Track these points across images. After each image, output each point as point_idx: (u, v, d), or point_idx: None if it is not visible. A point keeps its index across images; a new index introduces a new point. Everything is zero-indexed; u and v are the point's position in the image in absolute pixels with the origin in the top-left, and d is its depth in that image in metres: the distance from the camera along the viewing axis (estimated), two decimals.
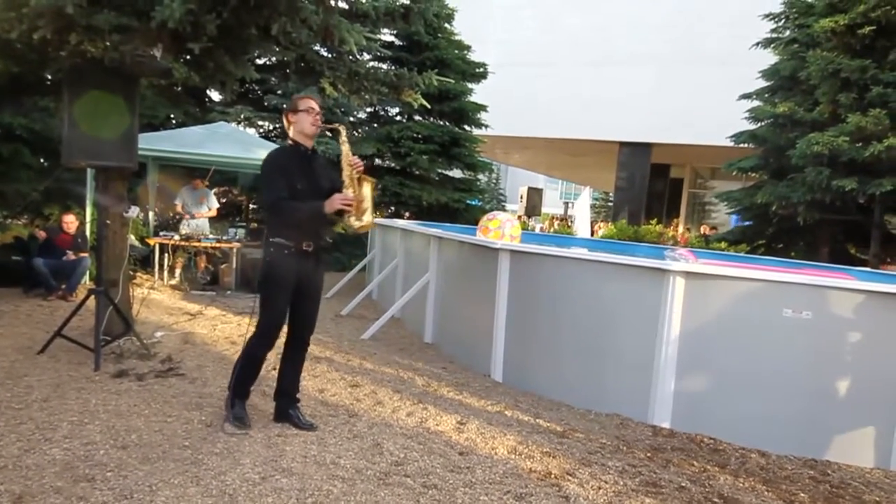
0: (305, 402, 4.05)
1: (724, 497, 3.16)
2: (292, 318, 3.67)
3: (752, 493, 3.26)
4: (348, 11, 4.98)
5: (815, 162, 8.63)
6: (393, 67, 12.32)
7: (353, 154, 3.59)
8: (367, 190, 3.61)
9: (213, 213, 9.21)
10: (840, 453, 3.91)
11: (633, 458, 3.58)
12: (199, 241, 8.38)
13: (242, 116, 12.28)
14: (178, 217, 8.96)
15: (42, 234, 7.36)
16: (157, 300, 7.31)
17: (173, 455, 3.13)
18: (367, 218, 3.61)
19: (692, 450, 3.84)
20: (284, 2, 3.63)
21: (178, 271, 8.83)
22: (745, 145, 11.17)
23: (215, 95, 13.05)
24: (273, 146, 9.78)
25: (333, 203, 3.42)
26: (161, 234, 8.62)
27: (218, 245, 8.54)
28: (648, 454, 3.67)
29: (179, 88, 10.95)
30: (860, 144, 8.21)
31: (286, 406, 3.73)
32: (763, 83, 11.27)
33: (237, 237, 8.89)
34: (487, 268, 5.15)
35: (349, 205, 3.46)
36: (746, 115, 10.91)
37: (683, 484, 3.27)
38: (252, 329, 3.58)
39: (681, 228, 17.56)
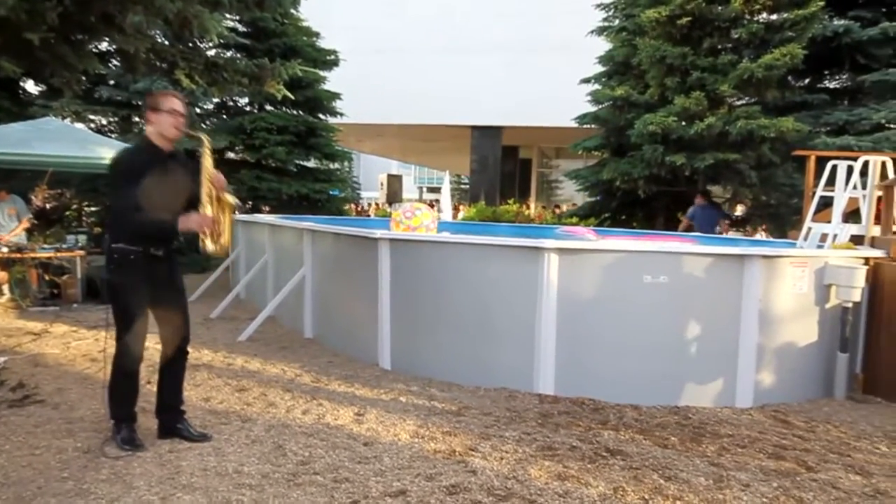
0: (192, 412, 3.84)
1: (611, 450, 3.47)
2: (160, 327, 3.45)
3: (632, 444, 3.61)
4: None
5: (651, 140, 9.55)
6: (238, 55, 11.75)
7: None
8: (227, 211, 3.46)
9: (26, 223, 8.09)
10: (696, 398, 4.43)
11: (527, 427, 3.81)
12: (34, 251, 7.50)
13: (70, 110, 11.07)
14: None
15: None
16: None
17: (52, 489, 2.85)
18: (223, 241, 3.44)
19: (576, 412, 4.16)
20: None
21: (5, 287, 7.82)
22: (589, 126, 12.05)
23: (30, 86, 11.64)
24: (114, 143, 9.00)
25: (189, 223, 3.24)
26: None
27: (57, 255, 7.70)
28: (539, 421, 3.92)
29: None
30: (685, 123, 9.20)
31: (172, 421, 3.51)
32: (601, 68, 12.19)
33: (79, 245, 8.06)
34: (368, 257, 5.15)
35: (206, 227, 3.29)
36: (588, 98, 11.76)
37: (574, 444, 3.54)
38: (112, 343, 3.31)
39: (533, 206, 18.54)
